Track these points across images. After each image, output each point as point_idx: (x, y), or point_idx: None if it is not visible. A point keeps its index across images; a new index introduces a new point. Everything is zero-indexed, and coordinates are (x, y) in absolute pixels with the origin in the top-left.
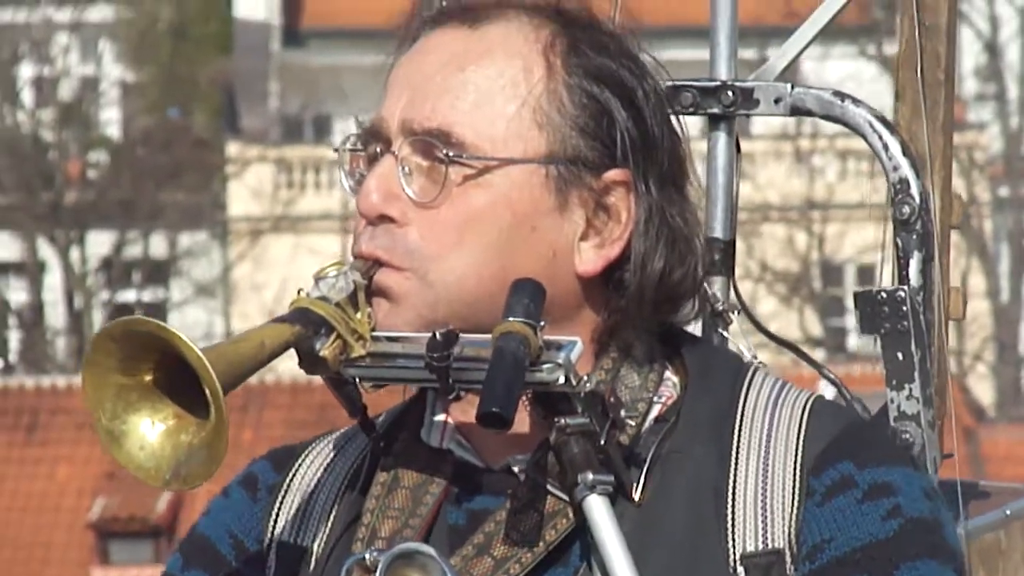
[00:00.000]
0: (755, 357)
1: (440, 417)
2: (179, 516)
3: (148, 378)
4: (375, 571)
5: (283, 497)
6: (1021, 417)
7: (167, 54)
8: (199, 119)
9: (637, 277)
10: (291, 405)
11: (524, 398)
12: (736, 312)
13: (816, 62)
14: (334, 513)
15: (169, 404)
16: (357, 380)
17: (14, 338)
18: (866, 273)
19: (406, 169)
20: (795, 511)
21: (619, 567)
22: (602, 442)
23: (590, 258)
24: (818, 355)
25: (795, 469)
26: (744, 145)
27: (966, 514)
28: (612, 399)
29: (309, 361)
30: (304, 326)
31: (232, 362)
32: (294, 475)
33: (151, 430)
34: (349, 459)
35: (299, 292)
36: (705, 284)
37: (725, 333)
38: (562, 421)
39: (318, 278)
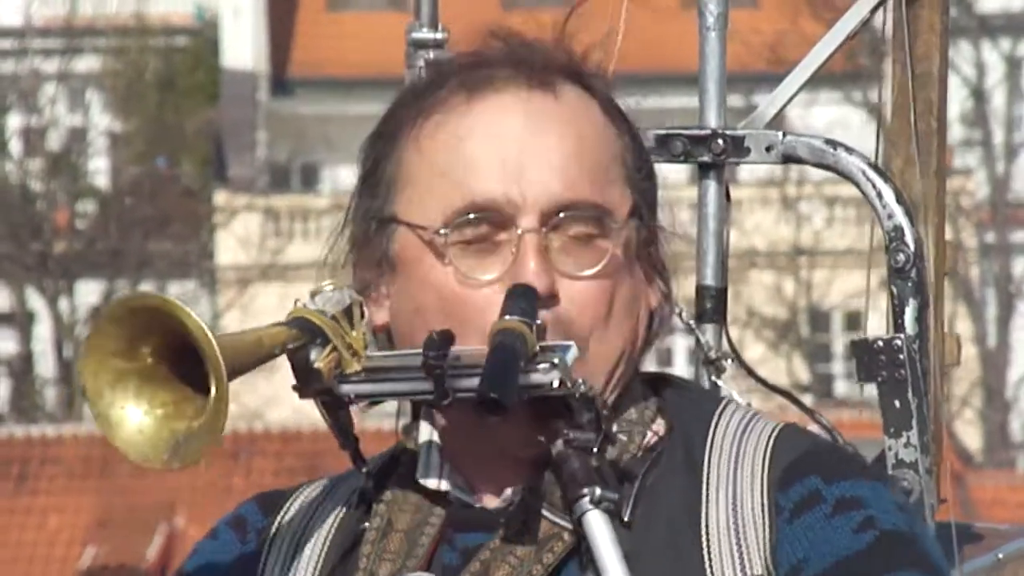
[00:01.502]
0: (748, 405)
1: (436, 459)
2: (169, 564)
3: (148, 363)
4: None
5: (272, 540)
6: (1008, 462)
7: (154, 104)
8: (187, 168)
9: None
10: (281, 453)
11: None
12: (729, 360)
13: (803, 108)
14: (323, 557)
15: (168, 390)
16: (349, 404)
17: (3, 388)
18: (853, 319)
19: (557, 244)
20: (767, 532)
21: None
22: (595, 450)
23: (656, 308)
24: (806, 401)
25: (762, 489)
26: (731, 191)
27: (960, 557)
28: (604, 411)
29: (303, 373)
30: (302, 331)
31: (233, 347)
32: (283, 518)
33: (150, 414)
34: (339, 503)
35: (296, 303)
36: (698, 332)
37: (719, 381)
38: (567, 434)
39: (315, 292)
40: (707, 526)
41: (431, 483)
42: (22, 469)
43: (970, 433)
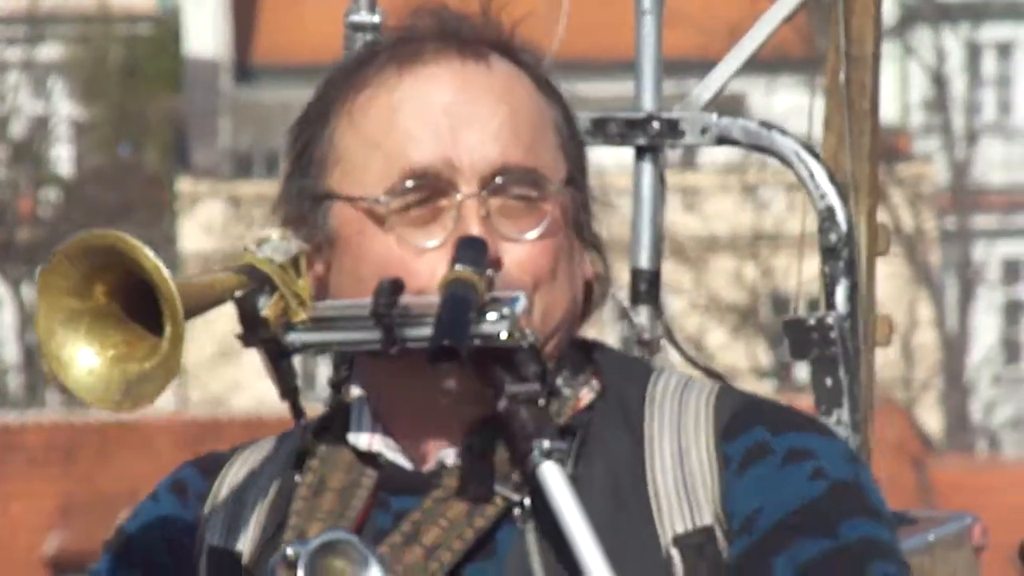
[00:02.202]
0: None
1: (368, 418)
2: None
3: (101, 302)
4: (297, 560)
5: (212, 502)
6: (969, 446)
7: (118, 92)
8: (150, 156)
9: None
10: (244, 439)
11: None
12: (665, 340)
13: (764, 95)
14: (262, 517)
15: (120, 330)
16: (294, 353)
17: None
18: (815, 304)
19: (496, 208)
20: (716, 483)
21: (580, 535)
22: (541, 402)
23: (596, 278)
24: (767, 387)
25: (707, 441)
26: (691, 178)
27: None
28: (549, 365)
29: (250, 320)
30: (251, 279)
31: (187, 289)
32: (222, 481)
33: (100, 355)
34: (277, 465)
35: (244, 250)
36: (631, 314)
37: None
38: (512, 388)
39: (261, 240)
40: (653, 480)
41: (362, 443)
42: None
43: (931, 417)
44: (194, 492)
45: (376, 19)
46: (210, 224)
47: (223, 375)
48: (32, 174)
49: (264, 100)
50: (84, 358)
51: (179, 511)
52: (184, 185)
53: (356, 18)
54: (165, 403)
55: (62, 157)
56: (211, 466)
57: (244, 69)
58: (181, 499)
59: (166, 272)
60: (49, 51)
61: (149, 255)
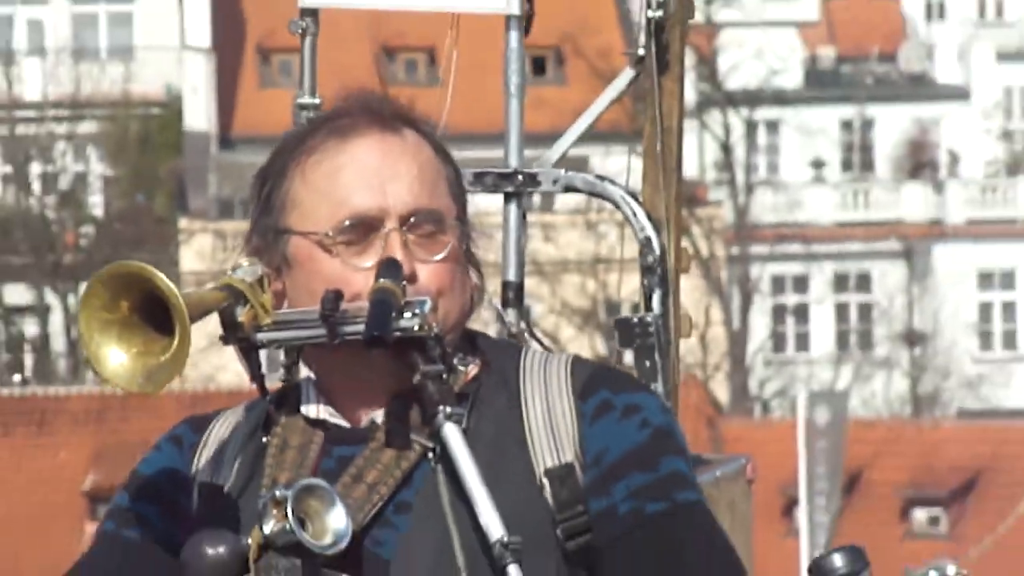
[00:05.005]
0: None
1: (314, 393)
2: None
3: (126, 314)
4: (285, 503)
5: (201, 451)
6: (748, 411)
7: (135, 155)
8: (159, 202)
9: (480, 292)
10: (227, 406)
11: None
12: (526, 334)
13: (602, 159)
14: (238, 463)
15: (140, 334)
16: (262, 348)
17: (29, 359)
18: (638, 307)
19: (412, 239)
20: (575, 431)
21: (471, 477)
22: (444, 377)
23: (475, 288)
24: None
25: (568, 399)
26: (548, 217)
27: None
28: (449, 349)
29: (230, 324)
30: (230, 295)
31: (187, 301)
32: (209, 436)
33: (127, 353)
34: (250, 424)
35: (225, 274)
36: (503, 314)
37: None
38: (423, 367)
39: (236, 266)
40: (529, 430)
41: (311, 412)
42: (41, 417)
43: (720, 390)
44: (187, 443)
45: (317, 101)
46: (202, 252)
47: (211, 359)
48: (74, 215)
49: (241, 161)
50: (115, 356)
51: (176, 458)
52: (183, 223)
53: (302, 100)
54: None
55: (96, 203)
56: (201, 424)
57: (226, 139)
58: (178, 448)
59: (176, 291)
60: (86, 126)
61: (163, 279)
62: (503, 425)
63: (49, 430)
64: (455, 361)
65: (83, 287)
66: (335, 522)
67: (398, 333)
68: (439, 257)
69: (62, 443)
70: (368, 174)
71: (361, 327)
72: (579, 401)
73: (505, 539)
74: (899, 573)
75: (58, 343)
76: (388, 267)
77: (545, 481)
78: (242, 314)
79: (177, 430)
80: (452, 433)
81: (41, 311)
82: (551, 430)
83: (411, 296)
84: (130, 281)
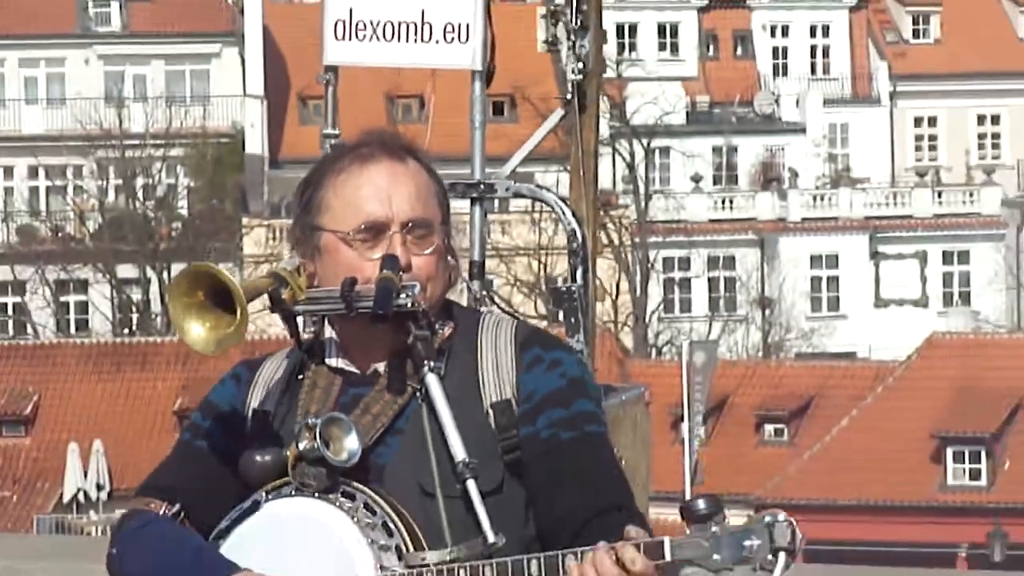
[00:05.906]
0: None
1: (335, 349)
2: None
3: (201, 299)
4: (315, 428)
5: (254, 386)
6: (647, 355)
7: (211, 172)
8: (227, 205)
9: (457, 272)
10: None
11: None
12: (488, 299)
13: (542, 173)
14: (280, 396)
15: (212, 313)
16: (299, 317)
17: (134, 318)
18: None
19: (409, 239)
20: (514, 376)
21: (444, 413)
22: (429, 339)
23: (452, 269)
24: (544, 324)
25: (511, 352)
26: (503, 216)
27: (605, 399)
28: (432, 319)
29: (276, 300)
30: (276, 280)
31: (244, 288)
32: (259, 375)
33: (203, 327)
34: (289, 368)
35: (274, 265)
36: (470, 285)
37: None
38: (414, 332)
39: (279, 258)
40: (482, 375)
41: (333, 362)
42: (143, 359)
43: (627, 339)
44: (244, 379)
45: (337, 132)
46: (259, 241)
47: (265, 318)
48: (167, 215)
49: (286, 176)
50: (195, 329)
51: (235, 391)
52: (245, 221)
53: (326, 131)
54: None
55: (182, 206)
56: (254, 365)
57: (275, 161)
58: (236, 383)
59: (236, 283)
60: (176, 151)
61: (225, 274)
62: (467, 371)
63: (149, 368)
64: (436, 325)
65: (174, 269)
66: (350, 444)
67: (396, 309)
68: (428, 252)
69: (159, 377)
70: (380, 190)
71: (370, 304)
72: (519, 354)
73: (466, 460)
74: (754, 468)
75: (155, 306)
76: (390, 260)
77: (491, 411)
78: (284, 293)
79: (236, 369)
80: (433, 381)
81: (144, 283)
82: (497, 374)
83: (407, 281)
84: (202, 276)
